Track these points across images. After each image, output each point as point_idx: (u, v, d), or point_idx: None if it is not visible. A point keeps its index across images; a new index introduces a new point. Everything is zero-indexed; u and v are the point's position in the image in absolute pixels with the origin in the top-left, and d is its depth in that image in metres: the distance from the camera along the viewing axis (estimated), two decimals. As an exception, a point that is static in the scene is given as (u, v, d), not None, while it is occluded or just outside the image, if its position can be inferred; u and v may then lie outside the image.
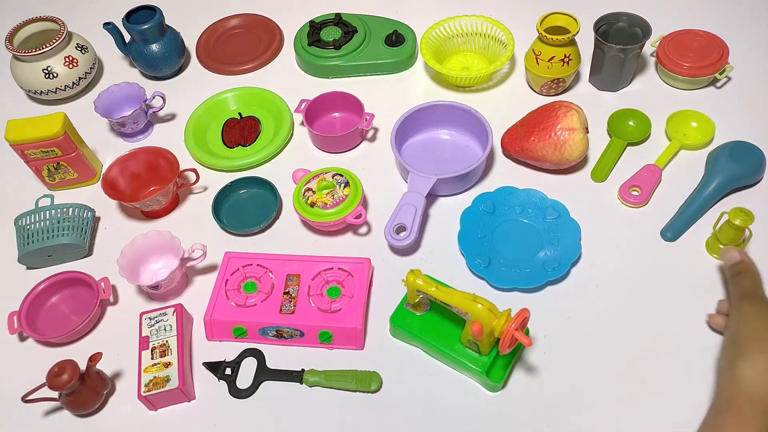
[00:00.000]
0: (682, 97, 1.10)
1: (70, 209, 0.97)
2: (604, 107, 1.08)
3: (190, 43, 1.28)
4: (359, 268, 0.89)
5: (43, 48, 1.12)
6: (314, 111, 1.09)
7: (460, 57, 1.19)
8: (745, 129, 1.03)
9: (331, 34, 1.21)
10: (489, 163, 1.04)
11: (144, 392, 0.78)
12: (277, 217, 1.00)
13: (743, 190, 0.96)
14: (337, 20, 1.23)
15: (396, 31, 1.19)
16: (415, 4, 1.31)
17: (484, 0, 1.27)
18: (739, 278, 0.75)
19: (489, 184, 1.01)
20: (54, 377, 0.76)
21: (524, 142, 0.98)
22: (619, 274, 0.89)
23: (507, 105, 1.11)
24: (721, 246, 0.87)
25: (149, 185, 1.03)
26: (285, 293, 0.88)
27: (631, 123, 1.05)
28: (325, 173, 0.96)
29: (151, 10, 1.17)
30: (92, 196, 1.04)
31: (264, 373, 0.83)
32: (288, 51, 1.26)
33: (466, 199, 0.97)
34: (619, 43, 1.04)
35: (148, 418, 0.81)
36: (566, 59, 1.05)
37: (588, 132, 0.98)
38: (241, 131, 1.12)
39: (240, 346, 0.86)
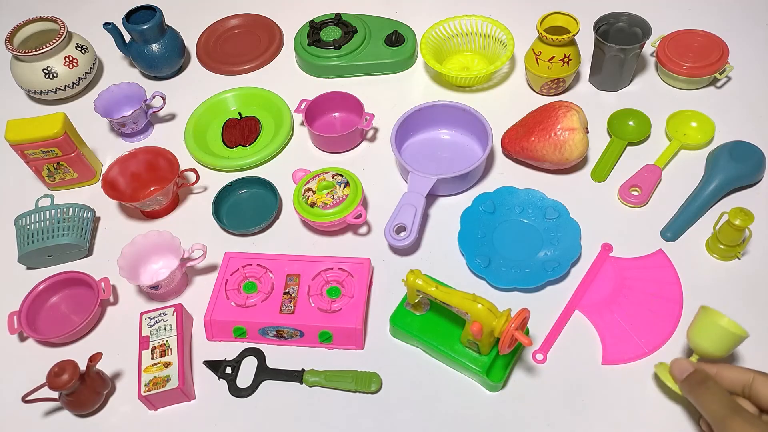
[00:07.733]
0: (682, 97, 1.10)
1: (70, 209, 0.97)
2: (604, 107, 1.08)
3: (190, 43, 1.28)
4: (359, 268, 0.89)
5: (43, 48, 1.12)
6: (314, 111, 1.09)
7: (460, 57, 1.19)
8: (745, 129, 1.03)
9: (331, 34, 1.21)
10: (489, 163, 1.04)
11: (144, 392, 0.78)
12: (277, 217, 1.00)
13: (743, 190, 0.96)
14: (337, 20, 1.23)
15: (396, 31, 1.19)
16: (415, 4, 1.31)
17: (484, 0, 1.27)
18: (702, 393, 0.67)
19: (489, 184, 1.01)
20: (54, 377, 0.76)
21: (524, 142, 0.98)
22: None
23: (507, 105, 1.11)
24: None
25: (149, 185, 1.03)
26: (285, 293, 0.88)
27: (631, 123, 1.05)
28: (325, 173, 0.96)
29: (151, 10, 1.17)
30: (92, 196, 1.04)
31: (264, 373, 0.83)
32: (288, 51, 1.26)
33: (466, 199, 0.97)
34: (619, 43, 1.04)
35: (148, 418, 0.81)
36: (566, 59, 1.05)
37: (588, 132, 0.98)
38: (241, 131, 1.12)
39: (240, 346, 0.86)
